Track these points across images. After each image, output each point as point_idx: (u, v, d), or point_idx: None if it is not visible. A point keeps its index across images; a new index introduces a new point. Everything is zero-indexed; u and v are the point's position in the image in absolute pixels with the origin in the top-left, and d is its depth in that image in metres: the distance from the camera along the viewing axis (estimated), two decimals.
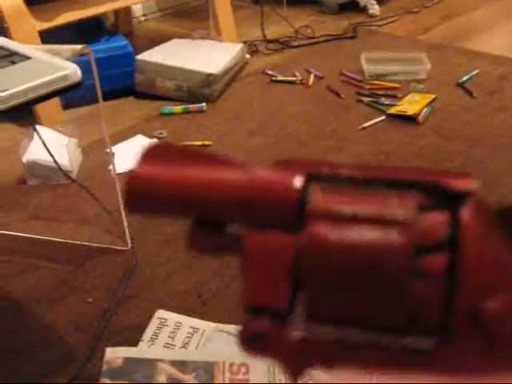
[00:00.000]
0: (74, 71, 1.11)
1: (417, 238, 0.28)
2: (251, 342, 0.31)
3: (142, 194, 0.32)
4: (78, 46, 1.32)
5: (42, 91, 1.08)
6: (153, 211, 0.33)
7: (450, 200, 0.29)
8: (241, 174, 0.31)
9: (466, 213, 0.29)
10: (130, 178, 0.32)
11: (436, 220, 0.29)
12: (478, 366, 0.29)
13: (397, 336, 0.30)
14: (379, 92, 2.49)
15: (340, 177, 0.31)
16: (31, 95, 1.07)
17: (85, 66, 1.46)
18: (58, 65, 1.13)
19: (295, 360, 0.31)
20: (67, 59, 1.23)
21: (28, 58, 1.18)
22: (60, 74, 1.10)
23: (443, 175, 0.30)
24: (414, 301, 0.29)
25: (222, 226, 0.32)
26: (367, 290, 0.29)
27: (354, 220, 0.29)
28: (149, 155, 0.33)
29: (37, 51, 1.22)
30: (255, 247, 0.31)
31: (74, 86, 1.11)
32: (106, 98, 2.28)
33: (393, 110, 2.32)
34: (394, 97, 2.44)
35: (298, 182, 0.30)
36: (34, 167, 1.95)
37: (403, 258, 0.28)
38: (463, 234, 0.29)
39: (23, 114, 1.97)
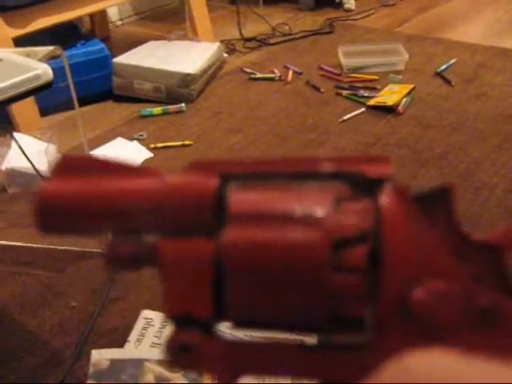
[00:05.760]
0: (45, 71, 1.10)
1: (335, 232, 0.28)
2: (178, 356, 0.30)
3: (52, 211, 0.31)
4: (50, 48, 1.31)
5: (14, 91, 1.07)
6: (66, 229, 0.31)
7: (370, 187, 0.29)
8: (152, 180, 0.30)
9: (383, 200, 0.28)
10: (39, 195, 0.31)
11: (354, 211, 0.28)
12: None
13: (324, 335, 0.29)
14: (358, 84, 2.49)
15: (255, 174, 0.30)
16: (3, 96, 1.06)
17: (61, 71, 1.45)
18: (29, 65, 1.12)
19: (225, 369, 0.30)
20: (39, 61, 1.22)
21: None
22: (31, 74, 1.09)
23: (359, 162, 0.29)
24: (339, 296, 0.28)
25: (139, 237, 0.31)
26: (289, 290, 0.28)
27: (272, 220, 0.28)
28: (57, 170, 0.32)
29: (7, 53, 1.21)
30: (172, 255, 0.29)
31: (46, 86, 1.10)
32: (84, 103, 2.28)
33: (372, 102, 2.33)
34: (373, 88, 2.45)
35: (212, 183, 0.30)
36: (14, 175, 1.93)
37: (321, 254, 0.28)
38: (383, 222, 0.28)
39: (0, 121, 1.95)
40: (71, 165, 0.32)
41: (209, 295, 0.29)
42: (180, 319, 0.30)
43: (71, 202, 0.31)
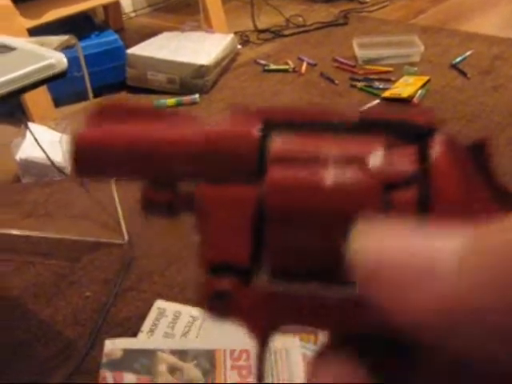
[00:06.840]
0: (59, 60, 1.09)
1: (385, 175, 0.27)
2: (213, 303, 0.29)
3: (90, 156, 0.31)
4: (65, 37, 1.31)
5: (29, 80, 1.07)
6: (102, 174, 0.31)
7: (418, 138, 0.28)
8: (195, 127, 0.30)
9: (436, 146, 0.27)
10: (77, 139, 0.31)
11: (405, 155, 0.27)
12: None
13: None
14: (373, 76, 2.47)
15: (300, 122, 0.29)
16: (18, 84, 1.06)
17: (75, 61, 1.45)
18: (44, 54, 1.12)
19: (261, 320, 0.29)
20: (54, 50, 1.22)
21: (13, 49, 1.16)
22: (45, 62, 1.09)
23: (408, 113, 0.29)
24: None
25: (176, 185, 0.30)
26: (335, 236, 0.26)
27: (319, 162, 0.27)
28: (97, 116, 0.31)
29: (22, 42, 1.21)
30: (211, 200, 0.28)
31: (61, 75, 1.10)
32: (98, 94, 2.27)
33: (387, 94, 2.31)
34: (388, 80, 2.43)
35: (255, 130, 0.28)
36: (28, 165, 1.93)
37: (372, 198, 0.26)
38: (434, 166, 0.27)
39: (15, 112, 1.96)
40: (110, 111, 0.31)
41: (248, 243, 0.28)
42: (216, 267, 0.29)
43: (108, 146, 0.30)
